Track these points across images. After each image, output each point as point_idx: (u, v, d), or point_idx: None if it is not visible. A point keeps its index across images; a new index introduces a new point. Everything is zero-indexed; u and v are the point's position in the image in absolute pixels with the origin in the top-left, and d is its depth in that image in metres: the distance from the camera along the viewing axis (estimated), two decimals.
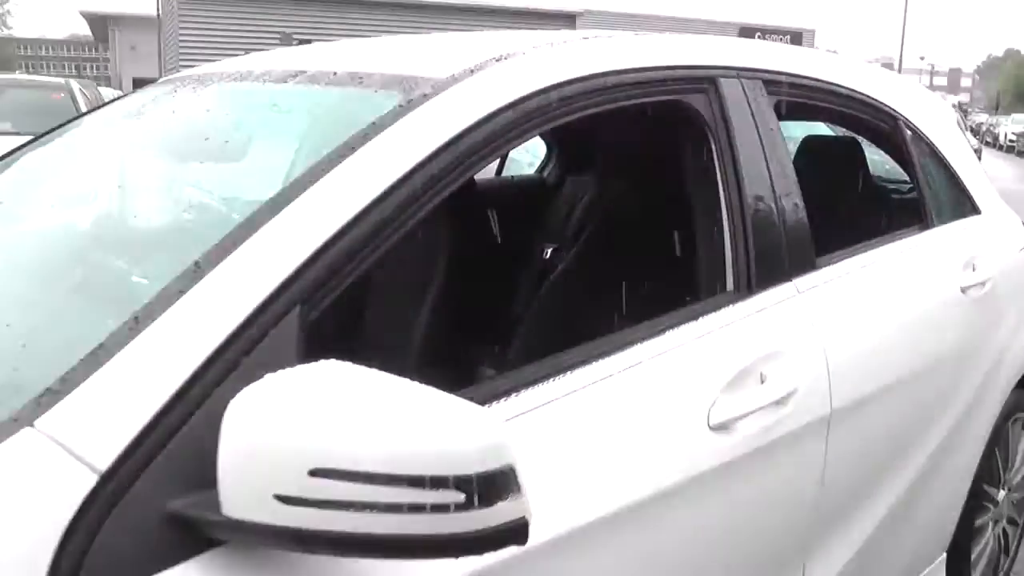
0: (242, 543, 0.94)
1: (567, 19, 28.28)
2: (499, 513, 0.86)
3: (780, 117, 1.87)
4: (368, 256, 1.12)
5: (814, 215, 1.84)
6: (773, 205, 1.75)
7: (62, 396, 0.94)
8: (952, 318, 2.21)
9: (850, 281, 1.89)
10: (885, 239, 2.13)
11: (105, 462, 0.92)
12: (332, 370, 0.91)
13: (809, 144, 2.71)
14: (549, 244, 2.70)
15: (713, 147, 1.71)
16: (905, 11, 40.66)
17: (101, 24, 49.01)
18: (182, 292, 1.02)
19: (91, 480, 0.91)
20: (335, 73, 1.53)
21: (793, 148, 2.41)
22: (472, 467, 0.85)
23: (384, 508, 0.84)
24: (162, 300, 1.02)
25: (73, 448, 0.92)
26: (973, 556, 2.57)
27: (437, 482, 0.84)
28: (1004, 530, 2.75)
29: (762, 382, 1.55)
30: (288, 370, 0.93)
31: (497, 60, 1.39)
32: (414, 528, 0.85)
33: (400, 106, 1.26)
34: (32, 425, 0.93)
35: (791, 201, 1.79)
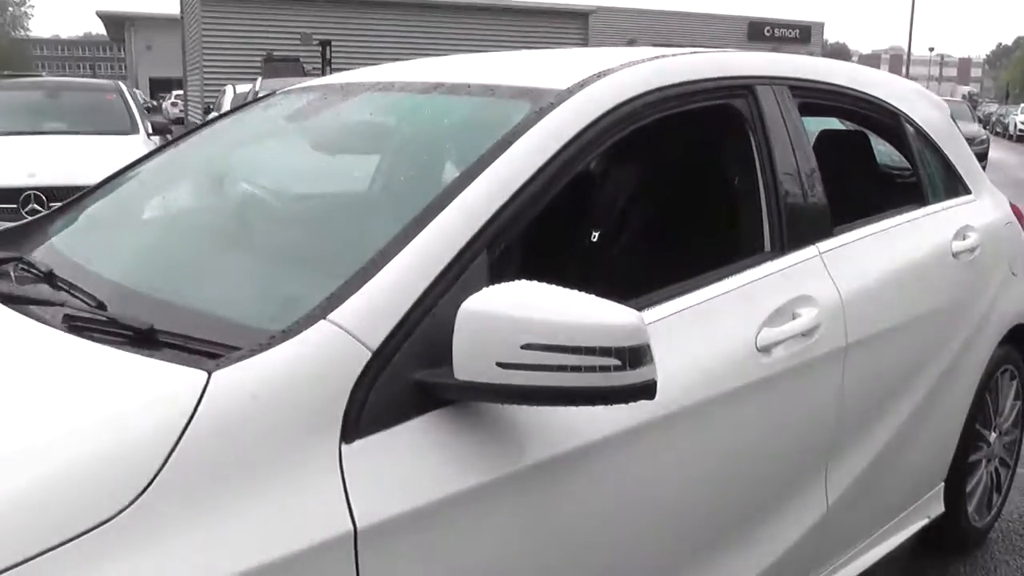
0: (466, 401, 1.38)
1: (580, 16, 28.34)
2: (640, 374, 1.31)
3: (802, 115, 2.29)
4: (525, 218, 1.56)
5: (830, 194, 2.26)
6: (799, 186, 2.17)
7: (342, 301, 1.35)
8: (945, 277, 2.60)
9: (860, 245, 2.30)
10: (889, 213, 2.53)
11: (375, 343, 1.32)
12: (528, 285, 1.36)
13: (825, 137, 3.01)
14: (595, 228, 3.13)
15: (752, 140, 2.13)
16: (913, 2, 40.53)
17: (117, 24, 49.19)
18: (411, 237, 1.44)
19: (366, 355, 1.31)
20: (470, 85, 1.98)
21: (812, 140, 2.82)
22: (625, 342, 1.30)
23: (570, 368, 1.28)
24: (396, 243, 1.44)
25: (356, 333, 1.32)
26: (968, 488, 2.94)
27: (604, 351, 1.28)
28: (996, 469, 3.10)
29: (794, 318, 1.98)
30: (500, 285, 1.37)
31: (599, 76, 1.82)
32: (587, 383, 1.30)
33: (535, 112, 1.69)
34: (326, 318, 1.32)
35: (813, 183, 2.21)
